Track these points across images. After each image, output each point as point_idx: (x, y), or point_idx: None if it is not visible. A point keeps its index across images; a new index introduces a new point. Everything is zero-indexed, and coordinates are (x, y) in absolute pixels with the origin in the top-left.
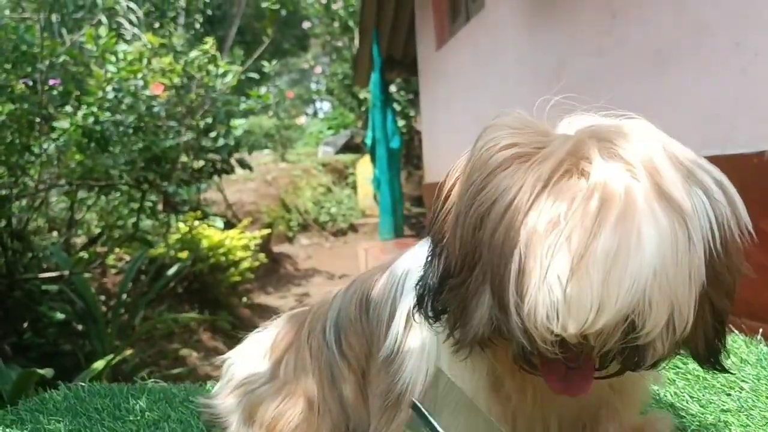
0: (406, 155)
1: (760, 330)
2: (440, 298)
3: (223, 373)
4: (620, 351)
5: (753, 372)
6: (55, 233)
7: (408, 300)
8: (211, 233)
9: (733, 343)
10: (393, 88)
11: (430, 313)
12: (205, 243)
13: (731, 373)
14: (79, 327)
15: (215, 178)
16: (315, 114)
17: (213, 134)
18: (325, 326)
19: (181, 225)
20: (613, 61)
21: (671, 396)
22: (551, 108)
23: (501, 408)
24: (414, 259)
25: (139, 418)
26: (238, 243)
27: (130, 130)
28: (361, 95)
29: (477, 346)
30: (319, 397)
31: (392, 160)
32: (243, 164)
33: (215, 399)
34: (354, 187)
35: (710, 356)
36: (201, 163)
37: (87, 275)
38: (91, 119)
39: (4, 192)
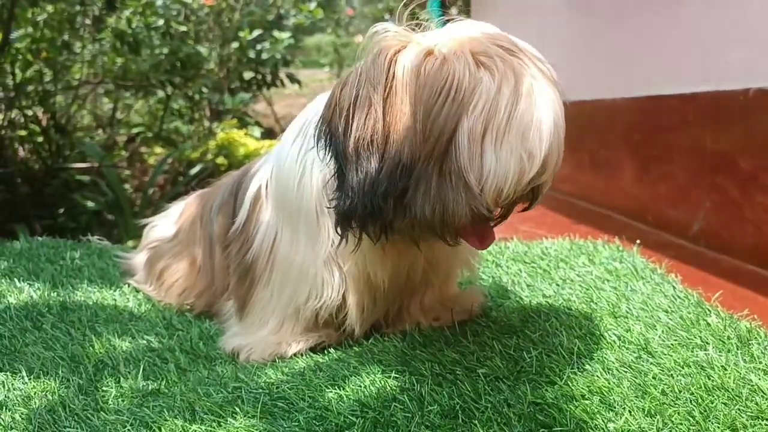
0: None
1: (637, 241)
2: (389, 195)
3: (143, 235)
4: (526, 195)
5: (591, 269)
6: (101, 131)
7: (261, 175)
8: (248, 142)
9: (594, 249)
10: (454, 12)
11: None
12: (241, 150)
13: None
14: (110, 217)
15: (264, 91)
16: None
17: (259, 47)
18: (213, 205)
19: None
20: None
21: (511, 283)
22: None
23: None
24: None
25: (68, 263)
26: None
27: (159, 35)
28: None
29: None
30: (201, 261)
31: None
32: (292, 79)
33: (132, 253)
34: None
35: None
36: (249, 75)
37: (126, 171)
38: (123, 22)
39: (47, 87)
